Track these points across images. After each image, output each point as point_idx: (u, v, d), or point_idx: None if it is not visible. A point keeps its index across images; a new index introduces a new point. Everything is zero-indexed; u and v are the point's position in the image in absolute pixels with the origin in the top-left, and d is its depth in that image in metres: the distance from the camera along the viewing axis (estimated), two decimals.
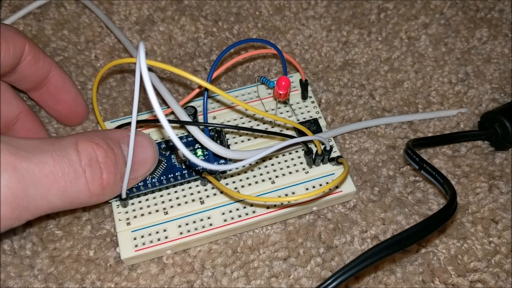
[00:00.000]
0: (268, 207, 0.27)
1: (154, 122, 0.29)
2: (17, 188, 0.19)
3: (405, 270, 0.27)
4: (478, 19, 0.36)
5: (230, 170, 0.27)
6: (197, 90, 0.28)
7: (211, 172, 0.27)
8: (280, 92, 0.27)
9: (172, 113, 0.27)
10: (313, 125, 0.30)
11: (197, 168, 0.28)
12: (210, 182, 0.27)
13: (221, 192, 0.28)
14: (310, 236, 0.28)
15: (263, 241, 0.28)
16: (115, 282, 0.26)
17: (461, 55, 0.34)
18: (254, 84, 0.32)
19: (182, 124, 0.29)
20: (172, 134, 0.19)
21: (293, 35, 0.35)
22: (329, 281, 0.21)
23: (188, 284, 0.26)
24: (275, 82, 0.28)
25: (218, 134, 0.29)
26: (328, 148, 0.27)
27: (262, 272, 0.27)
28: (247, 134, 0.29)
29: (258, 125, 0.30)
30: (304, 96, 0.31)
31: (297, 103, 0.31)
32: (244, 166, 0.28)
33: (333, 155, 0.29)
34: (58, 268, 0.27)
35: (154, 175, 0.28)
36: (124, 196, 0.27)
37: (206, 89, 0.27)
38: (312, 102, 0.31)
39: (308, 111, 0.30)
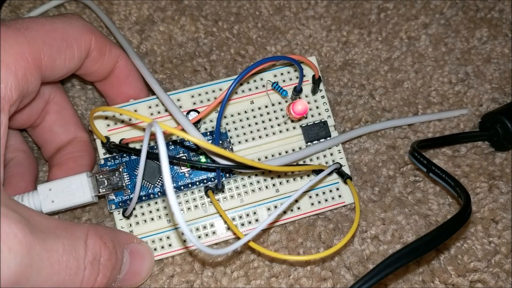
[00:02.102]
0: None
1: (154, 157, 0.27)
2: (21, 275, 0.18)
3: (405, 270, 0.27)
4: (478, 19, 0.36)
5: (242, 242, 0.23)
6: (214, 104, 0.26)
7: (216, 189, 0.27)
8: (295, 115, 0.27)
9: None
10: (322, 130, 0.29)
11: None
12: (213, 205, 0.27)
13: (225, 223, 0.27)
14: (310, 236, 0.28)
15: (263, 241, 0.28)
16: None
17: (461, 55, 0.34)
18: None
19: (190, 163, 0.27)
20: (175, 206, 0.18)
21: (293, 35, 0.35)
22: None
23: (187, 284, 0.26)
24: (287, 92, 0.28)
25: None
26: (338, 167, 0.28)
27: (262, 272, 0.27)
28: (251, 132, 0.29)
29: (263, 121, 0.29)
30: (315, 91, 0.30)
31: (306, 96, 0.30)
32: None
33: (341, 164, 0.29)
34: None
35: (156, 185, 0.27)
36: (128, 213, 0.27)
37: (219, 109, 0.25)
38: (322, 97, 0.30)
39: (317, 107, 0.30)
